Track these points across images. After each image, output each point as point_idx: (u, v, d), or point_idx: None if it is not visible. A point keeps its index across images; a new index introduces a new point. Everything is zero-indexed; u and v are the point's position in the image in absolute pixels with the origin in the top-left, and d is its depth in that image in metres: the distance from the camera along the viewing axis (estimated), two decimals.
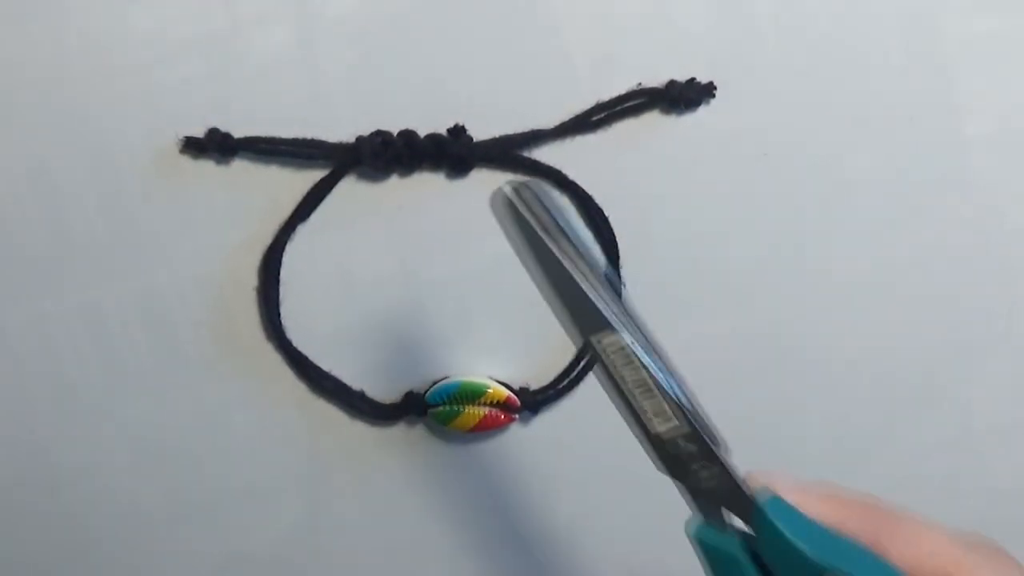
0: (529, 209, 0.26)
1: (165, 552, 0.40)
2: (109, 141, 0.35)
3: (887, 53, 0.36)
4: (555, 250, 0.26)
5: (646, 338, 0.26)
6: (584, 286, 0.26)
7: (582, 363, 0.38)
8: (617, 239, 0.37)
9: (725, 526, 0.28)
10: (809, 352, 0.37)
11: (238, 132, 0.35)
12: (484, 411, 0.37)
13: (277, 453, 0.39)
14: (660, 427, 0.27)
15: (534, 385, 0.38)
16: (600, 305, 0.26)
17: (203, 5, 0.34)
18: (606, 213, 0.37)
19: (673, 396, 0.26)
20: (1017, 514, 0.35)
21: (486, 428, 0.38)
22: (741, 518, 0.27)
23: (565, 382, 0.38)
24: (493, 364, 0.38)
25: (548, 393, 0.38)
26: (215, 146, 0.35)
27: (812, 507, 0.28)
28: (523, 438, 0.39)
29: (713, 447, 0.27)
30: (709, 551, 0.28)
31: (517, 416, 0.38)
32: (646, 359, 0.26)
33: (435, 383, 0.38)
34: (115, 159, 0.35)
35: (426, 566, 0.41)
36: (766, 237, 0.37)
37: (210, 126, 0.35)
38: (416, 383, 0.38)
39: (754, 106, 0.36)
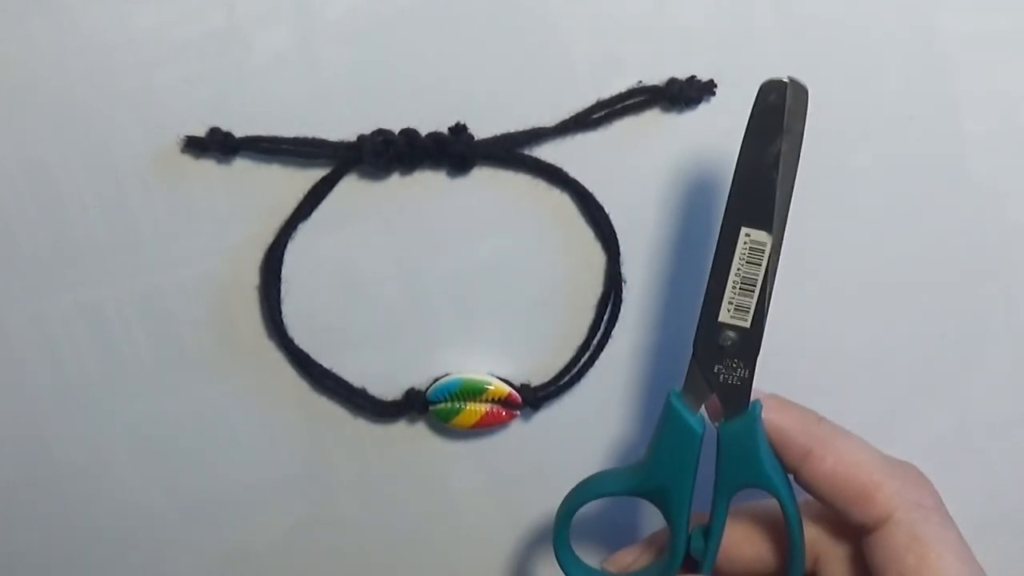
0: (789, 107, 0.30)
1: (166, 550, 0.40)
2: (109, 141, 0.35)
3: (887, 51, 0.36)
4: (783, 149, 0.30)
5: (777, 255, 0.31)
6: (777, 189, 0.30)
7: (583, 359, 0.38)
8: (617, 236, 0.37)
9: (698, 410, 0.33)
10: (808, 348, 0.38)
11: (239, 132, 0.35)
12: (485, 408, 0.38)
13: (278, 451, 0.39)
14: (729, 319, 0.32)
15: (535, 382, 0.38)
16: (776, 210, 0.30)
17: (203, 5, 0.34)
18: (607, 210, 0.37)
19: (765, 303, 0.31)
20: (1016, 510, 0.35)
21: (487, 425, 0.38)
22: (728, 414, 0.32)
23: (566, 378, 0.38)
24: (494, 361, 0.38)
25: (549, 389, 0.38)
26: (216, 145, 0.34)
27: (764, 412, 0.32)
28: (525, 435, 0.39)
29: (757, 354, 0.32)
30: (675, 416, 0.32)
31: (518, 413, 0.38)
32: (771, 266, 0.31)
33: (436, 380, 0.38)
34: (115, 159, 0.35)
35: (427, 563, 0.41)
36: None
37: (210, 126, 0.35)
38: (417, 380, 0.38)
39: None
